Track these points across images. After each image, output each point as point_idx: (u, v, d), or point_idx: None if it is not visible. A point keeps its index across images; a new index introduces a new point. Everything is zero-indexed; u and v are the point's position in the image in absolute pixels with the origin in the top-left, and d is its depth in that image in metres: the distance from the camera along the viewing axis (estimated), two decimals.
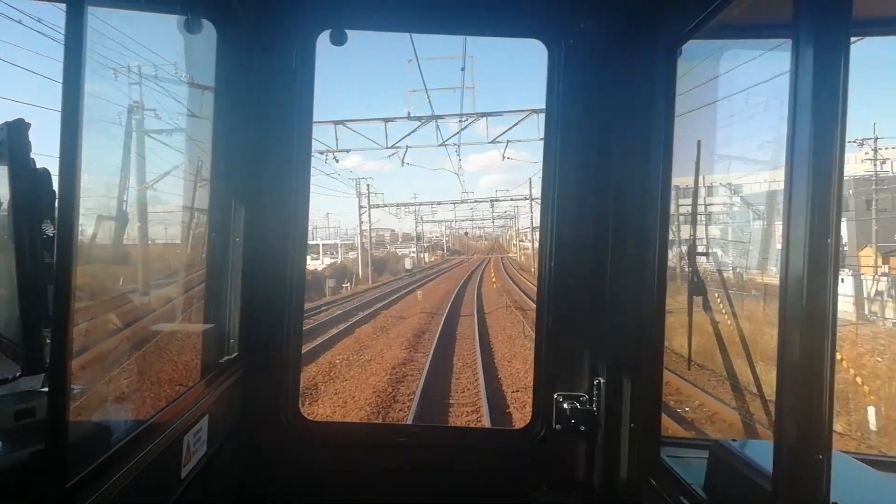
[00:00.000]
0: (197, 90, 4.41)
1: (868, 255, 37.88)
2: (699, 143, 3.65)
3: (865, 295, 33.05)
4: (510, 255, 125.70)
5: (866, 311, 32.33)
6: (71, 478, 1.93)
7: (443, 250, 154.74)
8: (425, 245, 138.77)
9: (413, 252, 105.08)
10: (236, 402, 3.62)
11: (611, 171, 3.54)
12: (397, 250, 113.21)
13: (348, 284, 55.70)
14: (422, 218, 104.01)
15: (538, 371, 3.77)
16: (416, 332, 26.65)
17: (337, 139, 32.74)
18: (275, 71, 3.61)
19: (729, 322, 3.82)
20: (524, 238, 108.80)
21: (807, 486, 1.89)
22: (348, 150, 34.89)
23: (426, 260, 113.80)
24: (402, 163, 36.33)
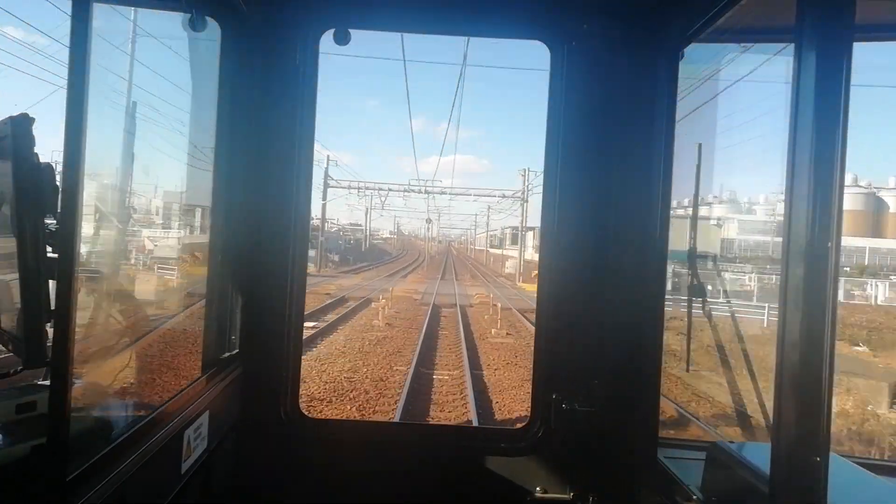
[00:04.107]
0: (200, 87, 4.41)
1: None
2: (700, 146, 3.66)
3: None
4: (504, 273, 62.31)
5: None
6: (72, 471, 1.94)
7: (338, 250, 72.24)
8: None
9: None
10: (236, 399, 3.63)
11: (612, 173, 3.55)
12: None
13: None
14: None
15: (537, 371, 3.78)
16: None
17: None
18: (278, 69, 3.62)
19: (726, 324, 3.82)
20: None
21: (804, 488, 1.90)
22: None
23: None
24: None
